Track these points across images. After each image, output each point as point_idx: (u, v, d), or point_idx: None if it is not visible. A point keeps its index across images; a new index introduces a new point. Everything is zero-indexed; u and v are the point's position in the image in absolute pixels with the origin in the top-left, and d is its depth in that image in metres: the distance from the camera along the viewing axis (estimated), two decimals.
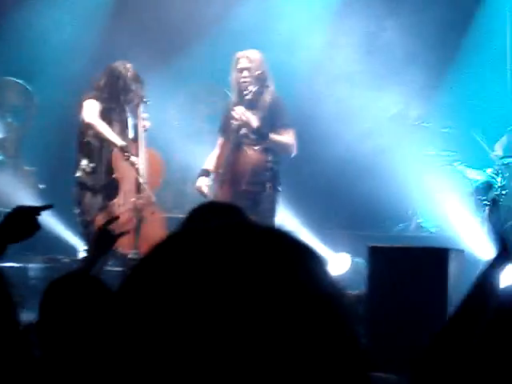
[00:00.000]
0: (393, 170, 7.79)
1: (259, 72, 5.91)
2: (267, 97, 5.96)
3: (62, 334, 2.39)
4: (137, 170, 6.01)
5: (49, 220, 7.79)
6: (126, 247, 5.70)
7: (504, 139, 7.74)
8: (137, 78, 6.22)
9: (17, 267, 7.13)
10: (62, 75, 8.37)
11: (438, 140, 7.93)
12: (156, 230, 5.87)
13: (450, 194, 7.58)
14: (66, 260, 7.53)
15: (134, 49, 7.88)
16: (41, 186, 8.70)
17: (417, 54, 7.94)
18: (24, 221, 2.56)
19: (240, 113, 5.85)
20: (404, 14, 8.04)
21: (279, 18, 8.15)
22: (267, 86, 5.96)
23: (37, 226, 2.58)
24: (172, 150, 8.84)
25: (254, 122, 5.85)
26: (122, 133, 6.17)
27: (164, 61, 8.38)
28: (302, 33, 8.11)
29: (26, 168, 9.01)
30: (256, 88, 5.91)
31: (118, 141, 5.95)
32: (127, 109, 6.23)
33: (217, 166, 6.09)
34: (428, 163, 7.83)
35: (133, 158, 5.98)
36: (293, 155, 6.06)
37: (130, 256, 5.78)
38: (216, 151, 6.25)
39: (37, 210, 2.61)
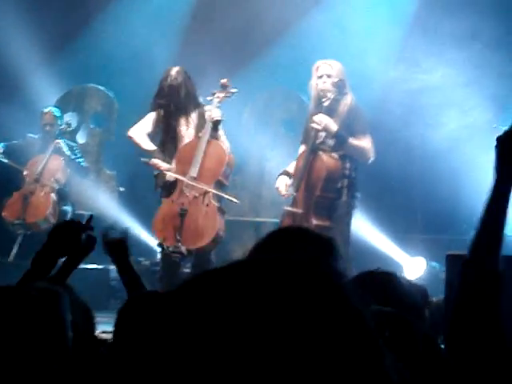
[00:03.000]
0: (470, 173, 7.70)
1: (338, 79, 5.96)
2: (345, 104, 5.99)
3: (135, 353, 2.37)
4: (170, 171, 6.26)
5: (130, 223, 8.01)
6: (168, 240, 6.08)
7: None
8: (182, 80, 6.33)
9: (99, 269, 7.36)
10: (141, 82, 8.59)
11: None
12: (205, 221, 6.09)
13: None
14: (146, 262, 7.72)
15: (209, 55, 8.04)
16: (121, 189, 8.95)
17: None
18: (67, 237, 2.62)
19: (319, 118, 5.91)
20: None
21: (347, 32, 8.15)
22: (345, 93, 6.00)
23: (79, 243, 2.63)
24: (248, 155, 8.97)
25: (333, 126, 5.89)
26: (174, 140, 6.35)
27: (240, 67, 8.50)
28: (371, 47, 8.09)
29: (107, 172, 9.28)
30: (334, 95, 5.96)
31: (150, 147, 6.38)
32: (184, 111, 6.34)
33: (294, 172, 6.15)
34: None
35: (160, 164, 6.29)
36: (370, 161, 6.05)
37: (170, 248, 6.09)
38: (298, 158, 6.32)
39: (79, 228, 2.66)
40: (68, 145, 8.16)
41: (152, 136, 6.48)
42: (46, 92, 8.75)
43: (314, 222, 5.81)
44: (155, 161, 6.32)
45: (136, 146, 6.48)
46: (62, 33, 8.76)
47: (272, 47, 8.66)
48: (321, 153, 5.97)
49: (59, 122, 8.16)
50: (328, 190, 5.92)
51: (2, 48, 8.46)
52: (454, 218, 7.94)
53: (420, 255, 7.38)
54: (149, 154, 6.39)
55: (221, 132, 6.35)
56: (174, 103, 6.33)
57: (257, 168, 9.02)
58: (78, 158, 8.16)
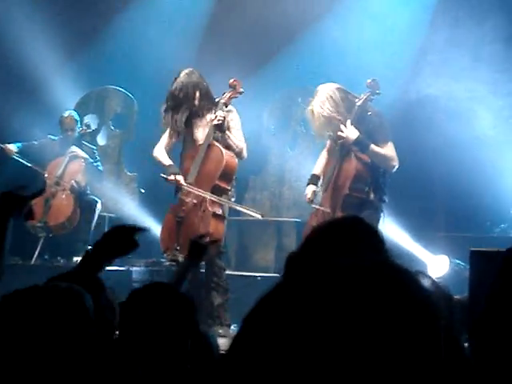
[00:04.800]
0: (493, 170, 7.63)
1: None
2: (372, 107, 5.97)
3: (140, 343, 2.39)
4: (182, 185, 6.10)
5: (151, 224, 7.99)
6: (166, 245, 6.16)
7: None
8: (195, 82, 6.04)
9: (121, 270, 7.35)
10: (161, 83, 8.58)
11: None
12: (199, 227, 5.90)
13: None
14: (168, 264, 7.70)
15: (227, 56, 8.01)
16: (142, 191, 8.94)
17: None
18: (122, 239, 2.61)
19: (345, 128, 5.85)
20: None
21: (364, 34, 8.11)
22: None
23: (134, 244, 2.62)
24: (268, 154, 8.93)
25: (353, 135, 5.84)
26: (191, 144, 6.16)
27: (259, 66, 8.46)
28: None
29: (128, 174, 9.28)
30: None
31: (167, 162, 6.18)
32: (200, 113, 6.10)
33: (324, 171, 6.10)
34: None
35: (177, 177, 6.09)
36: (394, 169, 6.00)
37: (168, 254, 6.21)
38: (324, 154, 6.23)
39: (134, 230, 2.65)
40: (87, 147, 8.17)
41: (171, 147, 6.28)
42: (65, 94, 8.76)
43: None
44: (177, 177, 6.06)
45: (160, 165, 6.26)
46: (80, 35, 8.77)
47: (292, 46, 8.61)
48: (352, 154, 5.93)
49: (78, 125, 8.18)
50: (356, 189, 5.87)
51: (21, 51, 8.48)
52: (477, 216, 7.86)
53: (443, 253, 7.31)
54: (167, 169, 6.17)
55: (235, 132, 6.08)
56: (189, 107, 6.05)
57: (277, 168, 8.98)
58: (96, 161, 8.17)
